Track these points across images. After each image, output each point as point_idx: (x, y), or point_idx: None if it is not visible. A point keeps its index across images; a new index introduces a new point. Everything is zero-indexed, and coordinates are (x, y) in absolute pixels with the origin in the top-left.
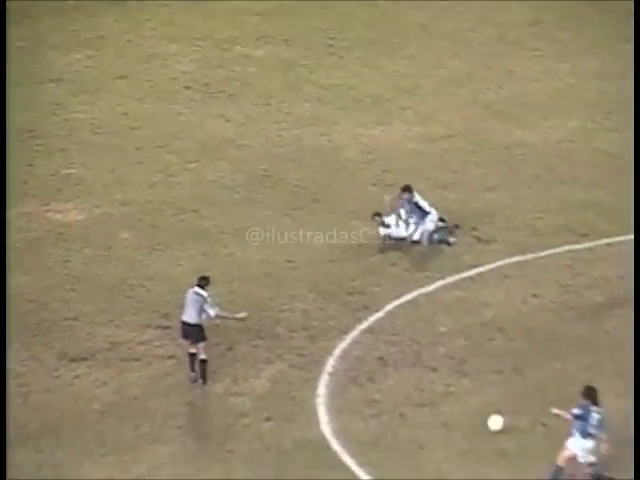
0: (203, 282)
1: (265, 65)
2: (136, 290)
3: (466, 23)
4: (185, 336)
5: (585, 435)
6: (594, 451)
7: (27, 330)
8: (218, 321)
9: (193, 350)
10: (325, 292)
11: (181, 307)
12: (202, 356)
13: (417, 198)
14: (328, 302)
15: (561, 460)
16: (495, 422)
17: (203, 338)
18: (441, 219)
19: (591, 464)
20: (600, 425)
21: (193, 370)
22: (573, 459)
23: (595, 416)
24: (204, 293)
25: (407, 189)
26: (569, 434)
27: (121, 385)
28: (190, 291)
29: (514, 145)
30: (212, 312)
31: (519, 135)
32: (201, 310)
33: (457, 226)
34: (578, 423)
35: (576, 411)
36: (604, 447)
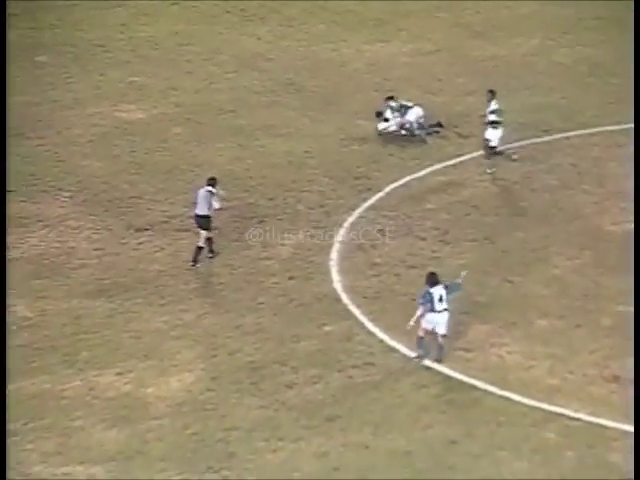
0: (212, 182)
1: None
2: (187, 174)
3: None
4: (199, 226)
5: (433, 311)
6: (443, 323)
7: (101, 206)
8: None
9: (201, 244)
10: (336, 177)
11: (194, 204)
12: (199, 243)
13: (401, 101)
14: (339, 184)
15: (420, 333)
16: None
17: (208, 228)
18: (439, 124)
19: (444, 335)
20: (440, 300)
21: (211, 253)
22: (429, 331)
23: (436, 295)
24: (213, 190)
25: (390, 98)
26: (421, 316)
27: (175, 250)
28: (201, 190)
29: (488, 58)
30: (216, 204)
31: (492, 50)
32: (210, 203)
33: (440, 124)
34: (426, 305)
35: (421, 300)
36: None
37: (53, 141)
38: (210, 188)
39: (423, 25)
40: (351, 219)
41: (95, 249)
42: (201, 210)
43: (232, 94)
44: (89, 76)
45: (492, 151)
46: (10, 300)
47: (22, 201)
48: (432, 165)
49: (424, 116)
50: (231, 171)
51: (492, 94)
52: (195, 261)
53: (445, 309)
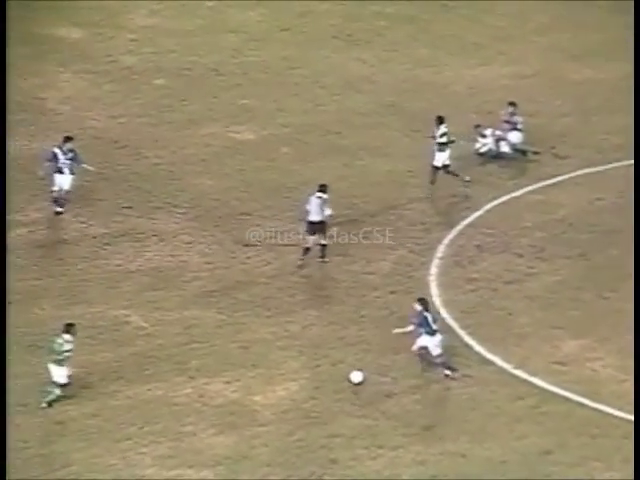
0: (323, 188)
1: (393, 19)
2: (293, 192)
3: None
4: (312, 232)
5: (430, 333)
6: (440, 344)
7: (212, 222)
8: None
9: (309, 245)
10: (437, 195)
11: (305, 212)
12: (323, 241)
13: (517, 118)
14: (439, 202)
15: (414, 349)
16: (355, 376)
17: (324, 232)
18: (535, 152)
19: (439, 355)
20: (434, 321)
21: (302, 259)
22: (424, 349)
23: (430, 317)
24: (325, 196)
25: (512, 103)
26: (416, 335)
27: (282, 264)
28: (313, 197)
29: (584, 82)
30: (327, 212)
31: (588, 74)
32: (322, 209)
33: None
34: (422, 327)
35: (415, 320)
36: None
37: (169, 160)
38: (321, 194)
39: (521, 49)
40: (450, 236)
41: (206, 262)
42: (315, 217)
43: (337, 115)
44: (203, 98)
45: (445, 171)
46: (125, 311)
47: (138, 217)
48: (529, 185)
49: (524, 142)
50: (336, 189)
51: (440, 119)
52: (323, 256)
53: (437, 330)
